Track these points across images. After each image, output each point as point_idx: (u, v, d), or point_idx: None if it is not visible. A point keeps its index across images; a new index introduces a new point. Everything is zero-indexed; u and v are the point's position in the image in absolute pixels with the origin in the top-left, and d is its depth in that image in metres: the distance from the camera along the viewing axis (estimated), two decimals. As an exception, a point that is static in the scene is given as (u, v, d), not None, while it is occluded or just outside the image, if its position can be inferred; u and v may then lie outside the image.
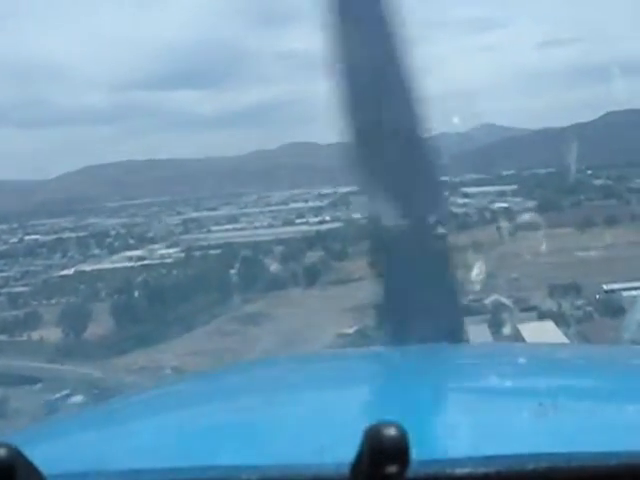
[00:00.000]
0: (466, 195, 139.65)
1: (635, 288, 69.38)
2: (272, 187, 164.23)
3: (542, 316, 65.22)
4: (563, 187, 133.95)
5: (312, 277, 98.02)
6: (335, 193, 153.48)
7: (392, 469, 1.05)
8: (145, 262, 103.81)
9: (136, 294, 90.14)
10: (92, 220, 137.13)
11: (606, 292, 74.17)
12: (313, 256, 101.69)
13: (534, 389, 1.73)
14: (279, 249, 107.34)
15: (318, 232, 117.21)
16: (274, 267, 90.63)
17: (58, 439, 1.97)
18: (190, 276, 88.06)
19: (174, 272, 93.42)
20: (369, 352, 3.74)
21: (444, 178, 3.40)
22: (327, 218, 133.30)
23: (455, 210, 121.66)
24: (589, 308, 69.91)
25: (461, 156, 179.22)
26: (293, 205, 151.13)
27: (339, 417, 1.66)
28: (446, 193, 3.29)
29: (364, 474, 1.08)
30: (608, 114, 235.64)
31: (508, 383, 1.96)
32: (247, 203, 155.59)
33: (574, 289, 79.46)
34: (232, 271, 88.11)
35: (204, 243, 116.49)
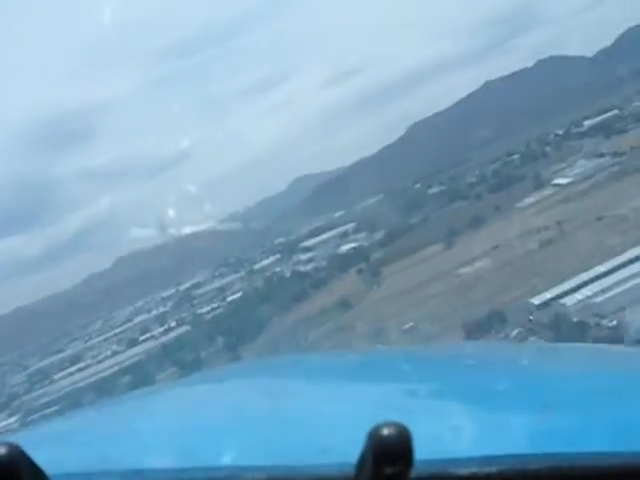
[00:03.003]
0: (308, 249, 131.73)
1: (574, 289, 52.65)
2: (115, 307, 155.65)
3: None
4: (401, 206, 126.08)
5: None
6: (177, 291, 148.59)
7: (396, 469, 1.01)
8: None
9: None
10: None
11: (539, 307, 55.14)
12: (163, 377, 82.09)
13: (537, 389, 1.72)
14: (125, 380, 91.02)
15: (164, 347, 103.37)
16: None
17: (62, 439, 1.91)
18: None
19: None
20: (371, 352, 3.47)
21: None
22: (172, 324, 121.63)
23: (302, 268, 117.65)
24: (527, 334, 49.13)
25: (289, 212, 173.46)
26: (138, 319, 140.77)
27: (342, 418, 1.62)
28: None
29: (368, 474, 1.04)
30: (414, 125, 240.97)
31: (510, 383, 1.86)
32: (92, 332, 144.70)
33: (496, 317, 58.30)
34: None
35: (47, 399, 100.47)
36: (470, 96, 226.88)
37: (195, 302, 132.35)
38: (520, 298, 59.28)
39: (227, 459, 1.38)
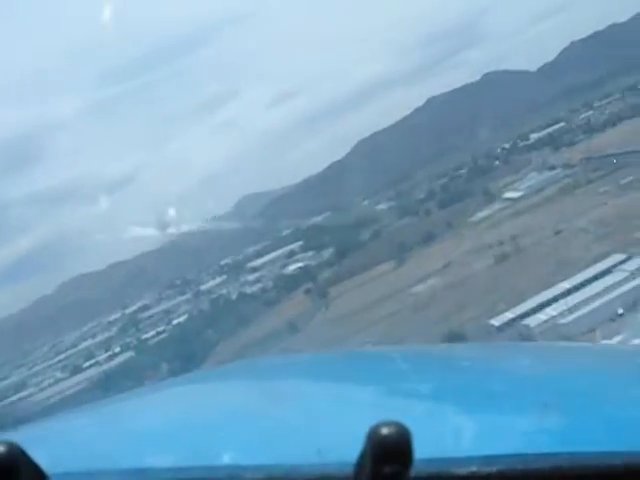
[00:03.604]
0: (255, 269, 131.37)
1: (537, 309, 48.70)
2: (62, 331, 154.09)
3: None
4: (350, 224, 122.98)
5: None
6: (123, 315, 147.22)
7: (395, 468, 1.02)
8: None
9: None
10: None
11: (500, 328, 50.72)
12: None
13: (537, 388, 1.61)
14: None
15: (107, 374, 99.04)
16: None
17: (61, 438, 1.91)
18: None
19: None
20: (371, 352, 3.49)
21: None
22: (117, 349, 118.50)
23: (248, 290, 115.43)
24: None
25: (235, 231, 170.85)
26: (84, 344, 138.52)
27: (342, 417, 1.61)
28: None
29: (367, 473, 1.04)
30: (360, 142, 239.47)
31: (511, 382, 1.86)
32: (37, 359, 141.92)
33: (455, 340, 53.26)
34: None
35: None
36: (415, 112, 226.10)
37: (141, 326, 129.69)
38: (478, 318, 54.97)
39: (226, 458, 1.39)
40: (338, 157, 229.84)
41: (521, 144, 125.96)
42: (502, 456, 1.20)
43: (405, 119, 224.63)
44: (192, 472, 1.33)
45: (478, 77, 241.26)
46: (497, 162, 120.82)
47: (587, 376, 1.92)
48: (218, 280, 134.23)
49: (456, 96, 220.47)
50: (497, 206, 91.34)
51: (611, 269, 50.44)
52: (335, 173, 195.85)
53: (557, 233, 66.59)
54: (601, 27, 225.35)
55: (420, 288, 71.84)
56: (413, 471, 1.03)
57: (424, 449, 1.07)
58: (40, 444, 1.55)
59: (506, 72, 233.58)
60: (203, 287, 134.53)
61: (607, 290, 46.56)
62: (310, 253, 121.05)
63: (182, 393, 2.33)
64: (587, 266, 53.69)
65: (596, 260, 53.82)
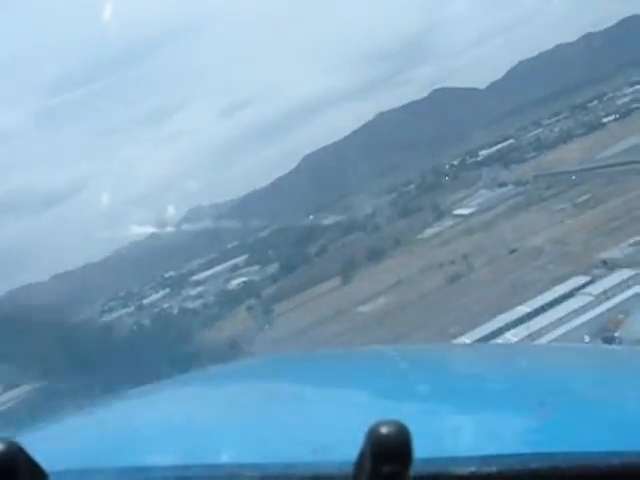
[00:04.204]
0: (198, 283, 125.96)
1: (494, 334, 45.35)
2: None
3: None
4: (296, 238, 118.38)
5: None
6: None
7: (394, 467, 1.01)
8: None
9: None
10: None
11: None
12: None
13: (536, 389, 1.73)
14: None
15: (40, 392, 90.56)
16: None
17: (61, 436, 1.92)
18: None
19: None
20: (371, 351, 3.17)
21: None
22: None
23: (190, 305, 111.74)
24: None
25: (181, 244, 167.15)
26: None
27: (341, 416, 1.64)
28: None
29: (367, 472, 1.04)
30: (308, 156, 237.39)
31: (510, 382, 1.89)
32: None
33: None
34: None
35: None
36: (364, 127, 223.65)
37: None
38: (430, 342, 50.76)
39: (225, 457, 1.39)
40: (286, 170, 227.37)
41: (470, 160, 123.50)
42: (501, 456, 1.19)
43: (354, 134, 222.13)
44: (191, 470, 1.31)
45: (427, 93, 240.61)
46: (446, 178, 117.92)
47: (585, 376, 1.94)
48: (161, 293, 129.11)
49: (405, 112, 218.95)
50: (447, 223, 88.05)
51: (574, 292, 46.63)
52: (282, 186, 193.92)
53: (511, 252, 62.98)
54: (549, 47, 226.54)
55: (368, 307, 67.96)
56: (412, 470, 1.02)
57: (423, 448, 1.05)
58: (40, 442, 1.54)
59: (455, 89, 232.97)
60: (146, 300, 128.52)
61: (571, 316, 42.82)
62: (255, 267, 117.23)
63: (180, 392, 2.35)
64: (546, 288, 49.83)
65: (556, 282, 50.02)
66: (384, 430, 1.01)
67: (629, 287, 43.55)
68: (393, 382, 1.96)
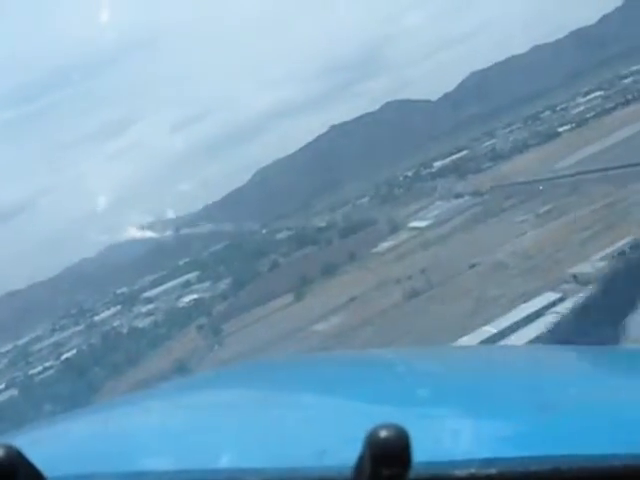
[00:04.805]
0: (150, 300, 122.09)
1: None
2: None
3: None
4: (248, 253, 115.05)
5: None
6: (15, 346, 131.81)
7: (394, 471, 1.00)
8: None
9: None
10: None
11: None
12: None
13: (536, 391, 1.72)
14: None
15: None
16: None
17: (60, 440, 1.93)
18: None
19: None
20: (370, 354, 3.41)
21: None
22: (1, 386, 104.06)
23: (140, 324, 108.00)
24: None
25: (134, 259, 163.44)
26: None
27: (341, 420, 1.63)
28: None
29: (366, 476, 1.03)
30: (261, 169, 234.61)
31: (509, 385, 1.89)
32: None
33: None
34: None
35: None
36: (317, 139, 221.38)
37: (30, 359, 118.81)
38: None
39: (225, 461, 1.39)
40: (238, 184, 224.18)
41: (424, 172, 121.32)
42: (501, 459, 1.19)
43: (307, 146, 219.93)
44: (191, 475, 1.31)
45: (380, 105, 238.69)
46: (400, 190, 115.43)
47: (586, 378, 1.94)
48: (113, 310, 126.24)
49: (358, 124, 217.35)
50: (403, 236, 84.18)
51: (544, 311, 42.39)
52: (234, 200, 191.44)
53: (472, 267, 58.74)
54: (501, 58, 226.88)
55: (322, 326, 63.57)
56: (412, 474, 1.02)
57: (423, 452, 1.06)
58: (38, 447, 1.56)
59: (408, 101, 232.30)
60: (97, 318, 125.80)
61: (542, 337, 38.65)
62: (206, 284, 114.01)
63: (180, 396, 2.33)
64: (512, 306, 45.61)
65: (522, 299, 45.84)
66: (383, 434, 1.00)
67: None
68: (392, 385, 1.97)
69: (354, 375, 2.26)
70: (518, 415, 1.53)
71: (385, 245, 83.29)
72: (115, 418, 2.09)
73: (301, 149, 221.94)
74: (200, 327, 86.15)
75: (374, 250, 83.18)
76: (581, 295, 41.00)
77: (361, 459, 1.05)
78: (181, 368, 72.62)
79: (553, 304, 42.38)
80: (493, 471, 1.15)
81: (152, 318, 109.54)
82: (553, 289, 44.79)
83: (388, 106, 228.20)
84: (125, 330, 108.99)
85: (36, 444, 1.66)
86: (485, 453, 1.22)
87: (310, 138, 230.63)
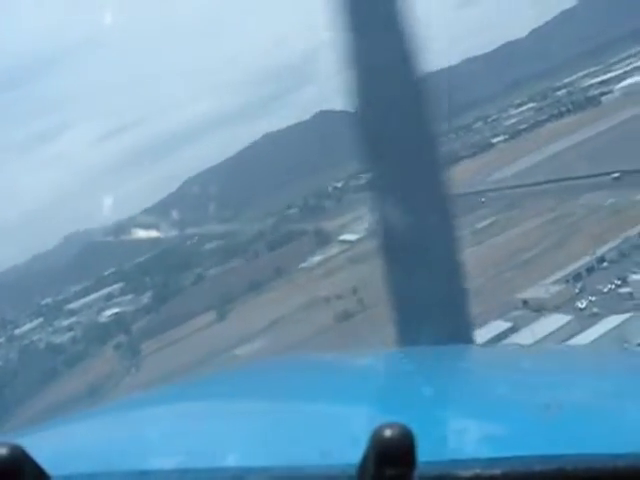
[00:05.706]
0: (72, 312, 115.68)
1: None
2: None
3: None
4: (173, 265, 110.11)
5: None
6: None
7: (398, 470, 1.00)
8: None
9: None
10: None
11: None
12: None
13: (540, 391, 1.72)
14: None
15: None
16: None
17: (64, 439, 1.92)
18: None
19: None
20: (375, 354, 3.27)
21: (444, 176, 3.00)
22: None
23: (58, 340, 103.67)
24: None
25: (59, 270, 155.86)
26: None
27: (346, 418, 1.64)
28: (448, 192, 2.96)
29: (370, 475, 1.03)
30: (191, 179, 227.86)
31: (514, 385, 1.88)
32: None
33: None
34: None
35: None
36: (248, 148, 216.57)
37: None
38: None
39: (229, 460, 1.39)
40: (166, 194, 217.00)
41: (354, 183, 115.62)
42: (505, 458, 1.19)
43: (237, 155, 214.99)
44: (195, 474, 1.30)
45: (313, 114, 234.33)
46: (330, 201, 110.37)
47: (589, 379, 1.94)
48: (35, 322, 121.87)
49: (289, 134, 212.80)
50: (333, 250, 78.81)
51: (494, 343, 36.49)
52: (162, 211, 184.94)
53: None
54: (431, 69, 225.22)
55: (245, 350, 57.34)
56: (416, 473, 1.02)
57: (427, 451, 1.05)
58: (43, 446, 1.54)
59: (339, 111, 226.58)
60: (18, 331, 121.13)
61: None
62: (129, 297, 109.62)
63: (184, 396, 2.32)
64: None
65: (479, 323, 40.07)
66: (388, 433, 1.00)
67: (569, 337, 33.95)
68: (397, 384, 1.98)
69: (359, 374, 2.25)
70: (522, 415, 1.52)
71: (314, 259, 78.05)
72: (119, 418, 2.09)
73: (231, 158, 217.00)
74: (118, 346, 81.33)
75: (302, 264, 77.73)
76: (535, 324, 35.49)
77: (365, 458, 1.04)
78: (94, 391, 68.93)
79: (505, 334, 36.47)
80: (498, 471, 1.14)
81: (72, 334, 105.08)
82: (502, 317, 38.92)
83: (319, 115, 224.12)
84: (43, 345, 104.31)
85: (41, 443, 1.66)
86: (490, 453, 1.22)
87: (240, 147, 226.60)
